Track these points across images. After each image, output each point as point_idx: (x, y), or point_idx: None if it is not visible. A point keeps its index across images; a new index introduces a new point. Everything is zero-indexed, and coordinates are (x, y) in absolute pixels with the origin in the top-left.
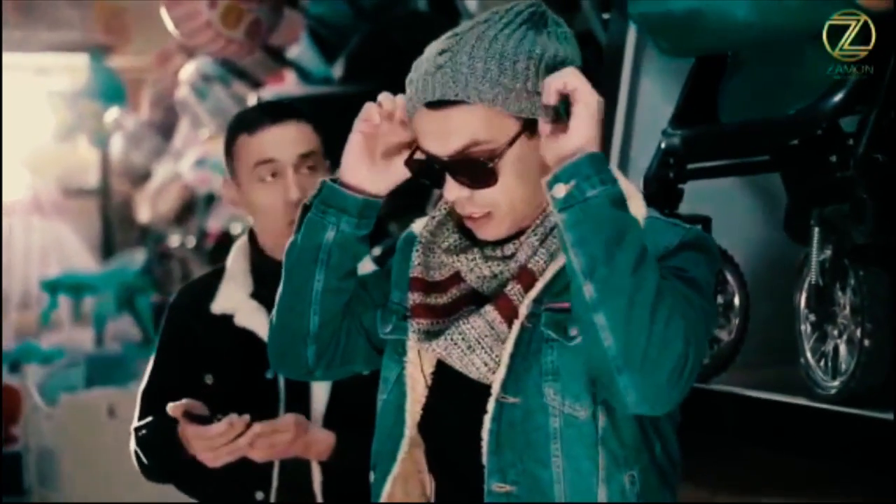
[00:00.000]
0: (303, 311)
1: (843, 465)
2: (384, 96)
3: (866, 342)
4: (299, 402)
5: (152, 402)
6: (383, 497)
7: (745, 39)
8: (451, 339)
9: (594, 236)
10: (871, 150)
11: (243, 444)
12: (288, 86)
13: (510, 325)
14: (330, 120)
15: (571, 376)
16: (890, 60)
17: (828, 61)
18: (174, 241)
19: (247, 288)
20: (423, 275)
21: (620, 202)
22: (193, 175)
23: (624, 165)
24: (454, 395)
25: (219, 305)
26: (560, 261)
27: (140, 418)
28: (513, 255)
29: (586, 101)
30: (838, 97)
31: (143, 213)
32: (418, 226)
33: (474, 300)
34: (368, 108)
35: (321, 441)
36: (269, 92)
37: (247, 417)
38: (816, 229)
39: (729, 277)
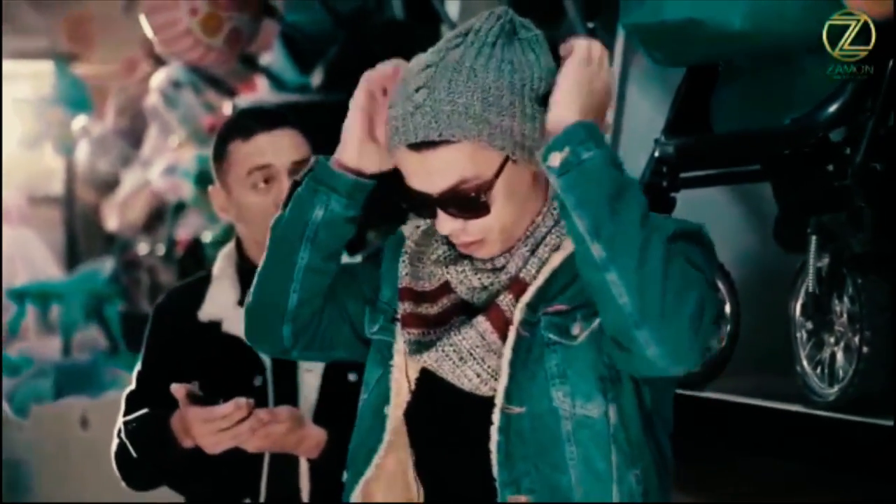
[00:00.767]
0: (283, 287)
1: (839, 471)
2: (382, 65)
3: (865, 349)
4: None
5: (139, 406)
6: (355, 498)
7: (741, 49)
8: (443, 351)
9: (595, 196)
10: (868, 159)
11: (245, 430)
12: (261, 94)
13: (502, 336)
14: (314, 128)
15: (580, 377)
16: (886, 70)
17: (824, 72)
18: (142, 249)
19: (234, 295)
20: (411, 285)
21: (616, 163)
22: (163, 183)
23: None
24: (438, 402)
25: (206, 312)
26: (552, 264)
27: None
28: (503, 267)
29: (566, 73)
30: (834, 107)
31: (111, 222)
32: (408, 229)
33: (465, 310)
34: (370, 77)
35: (314, 437)
36: (244, 100)
37: (252, 401)
38: (814, 237)
39: (720, 285)
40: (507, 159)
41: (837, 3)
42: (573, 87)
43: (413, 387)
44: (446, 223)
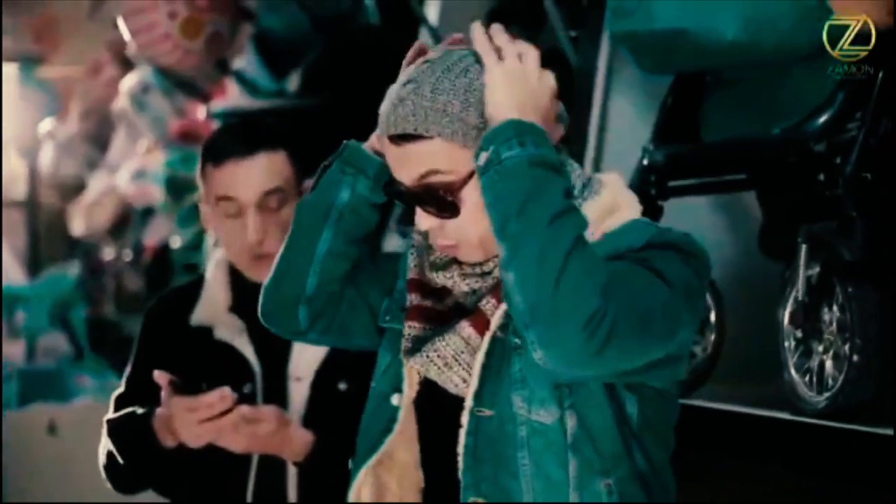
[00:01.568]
0: (302, 269)
1: (828, 479)
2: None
3: (855, 358)
4: None
5: (127, 408)
6: (360, 483)
7: (733, 59)
8: (428, 357)
9: (508, 194)
10: (860, 168)
11: (227, 424)
12: (232, 98)
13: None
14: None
15: (538, 382)
16: (877, 79)
17: (813, 81)
18: (108, 254)
19: (226, 301)
20: (420, 276)
21: (544, 163)
22: (131, 187)
23: None
24: (438, 396)
25: (197, 317)
26: None
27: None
28: (490, 272)
29: (489, 68)
30: (825, 117)
31: (77, 226)
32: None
33: (463, 313)
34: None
35: (300, 439)
36: (218, 105)
37: (235, 395)
38: (804, 246)
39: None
40: None
41: (828, 12)
42: (503, 85)
43: (421, 377)
44: (423, 220)
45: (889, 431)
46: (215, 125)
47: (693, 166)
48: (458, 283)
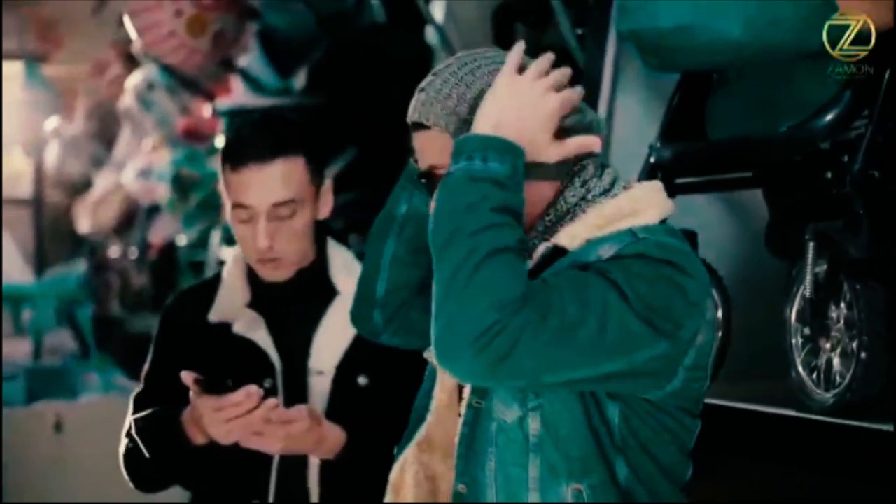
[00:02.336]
0: (373, 276)
1: (835, 476)
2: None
3: (863, 355)
4: None
5: (147, 407)
6: (402, 464)
7: (739, 57)
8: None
9: (442, 206)
10: (867, 166)
11: (258, 419)
12: (237, 96)
13: None
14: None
15: None
16: (884, 77)
17: (820, 79)
18: (114, 252)
19: (244, 297)
20: None
21: (488, 179)
22: (137, 185)
23: None
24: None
25: (216, 314)
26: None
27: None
28: None
29: (497, 78)
30: (832, 115)
31: (83, 224)
32: None
33: None
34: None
35: (333, 437)
36: (223, 103)
37: (261, 390)
38: (811, 244)
39: (712, 291)
40: None
41: (834, 10)
42: (496, 98)
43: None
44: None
45: (889, 427)
46: (221, 123)
47: (699, 164)
48: None
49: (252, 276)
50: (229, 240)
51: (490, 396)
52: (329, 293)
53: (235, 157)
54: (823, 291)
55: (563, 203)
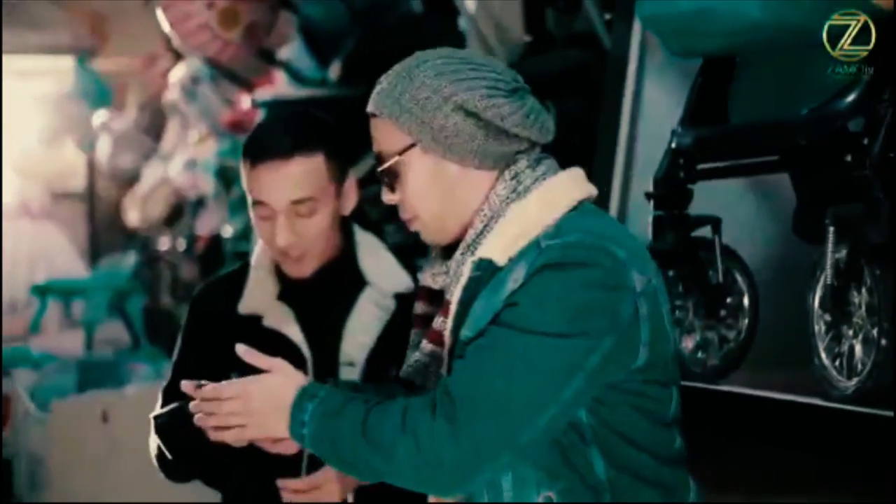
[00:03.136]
0: None
1: (856, 464)
2: None
3: (883, 341)
4: None
5: (174, 400)
6: None
7: (757, 40)
8: (406, 371)
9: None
10: (886, 149)
11: None
12: (279, 88)
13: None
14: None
15: None
16: None
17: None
18: (163, 244)
19: (274, 290)
20: (428, 283)
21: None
22: (183, 178)
23: (629, 166)
24: None
25: (246, 306)
26: (457, 292)
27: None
28: (448, 270)
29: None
30: (851, 97)
31: (132, 217)
32: None
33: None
34: None
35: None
36: (262, 94)
37: None
38: (831, 229)
39: (738, 278)
40: (412, 144)
41: None
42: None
43: None
44: (385, 193)
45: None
46: (260, 114)
47: (720, 149)
48: (431, 282)
49: (280, 269)
50: None
51: None
52: (358, 283)
53: (255, 153)
54: (844, 277)
55: (495, 198)
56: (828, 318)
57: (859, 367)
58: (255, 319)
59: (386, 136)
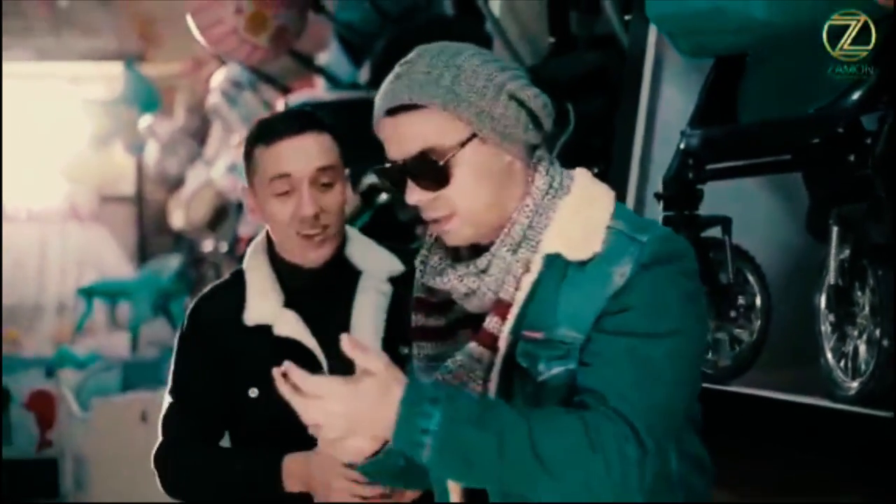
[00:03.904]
0: None
1: (866, 465)
2: None
3: (885, 342)
4: None
5: (184, 424)
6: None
7: (765, 39)
8: (443, 378)
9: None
10: (889, 148)
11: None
12: (317, 92)
13: (494, 352)
14: (352, 125)
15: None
16: None
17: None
18: (207, 246)
19: (278, 297)
20: (425, 295)
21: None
22: (225, 181)
23: (645, 166)
24: None
25: (252, 317)
26: (524, 289)
27: (174, 438)
28: (486, 269)
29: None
30: (858, 95)
31: (177, 219)
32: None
33: (469, 321)
34: None
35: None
36: (298, 97)
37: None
38: (835, 228)
39: (750, 278)
40: (473, 135)
41: None
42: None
43: None
44: (413, 193)
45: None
46: None
47: (728, 149)
48: (455, 287)
49: (281, 274)
50: None
51: None
52: (352, 274)
53: (267, 134)
54: (848, 277)
55: (537, 192)
56: (833, 318)
57: (863, 367)
58: (265, 329)
59: (433, 127)
